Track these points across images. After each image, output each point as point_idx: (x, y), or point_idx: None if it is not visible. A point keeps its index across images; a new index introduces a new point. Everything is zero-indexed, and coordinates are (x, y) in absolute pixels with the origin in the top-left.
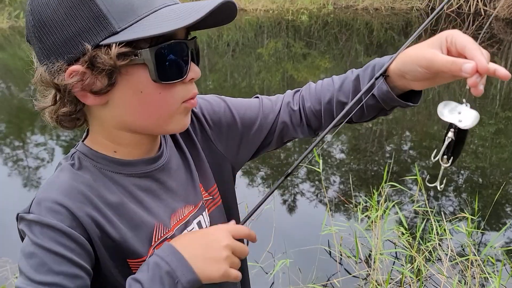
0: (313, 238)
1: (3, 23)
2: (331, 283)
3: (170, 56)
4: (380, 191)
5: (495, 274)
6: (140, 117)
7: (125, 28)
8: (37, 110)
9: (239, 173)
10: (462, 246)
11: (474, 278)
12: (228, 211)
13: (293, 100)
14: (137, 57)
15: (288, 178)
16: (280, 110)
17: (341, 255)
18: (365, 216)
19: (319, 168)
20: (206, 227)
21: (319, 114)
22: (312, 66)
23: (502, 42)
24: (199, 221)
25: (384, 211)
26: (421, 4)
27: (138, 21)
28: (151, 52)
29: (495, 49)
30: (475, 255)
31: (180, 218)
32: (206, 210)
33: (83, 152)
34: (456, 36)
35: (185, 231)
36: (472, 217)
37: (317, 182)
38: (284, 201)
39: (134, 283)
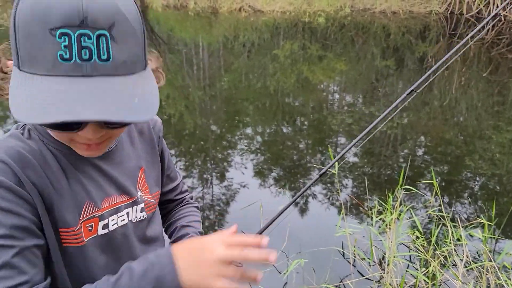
0: (327, 239)
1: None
2: (344, 284)
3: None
4: (396, 195)
5: (510, 281)
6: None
7: (24, 72)
8: None
9: (250, 172)
10: (477, 253)
11: (489, 284)
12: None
13: (179, 203)
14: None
15: (301, 179)
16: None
17: (354, 257)
18: (380, 219)
19: (334, 170)
20: (134, 219)
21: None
22: (328, 68)
23: None
24: (129, 212)
25: (399, 215)
26: (440, 8)
27: (34, 74)
28: None
29: None
30: (491, 261)
31: (112, 203)
32: (144, 206)
33: (36, 128)
34: None
35: (115, 215)
36: (489, 223)
37: (329, 185)
38: (299, 202)
39: (128, 269)
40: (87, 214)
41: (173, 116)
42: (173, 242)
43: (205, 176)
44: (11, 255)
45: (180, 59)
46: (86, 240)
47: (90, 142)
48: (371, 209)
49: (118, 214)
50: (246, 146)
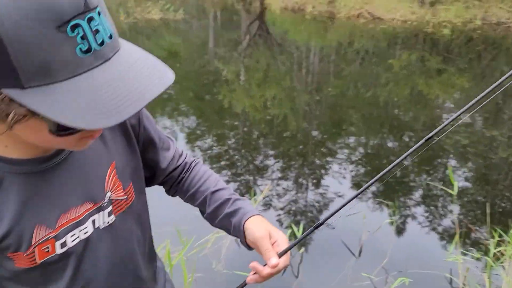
0: (434, 262)
1: (156, 15)
2: None
3: None
4: None
5: None
6: (38, 143)
7: (33, 87)
8: None
9: (348, 183)
10: None
11: None
12: (140, 210)
13: (183, 168)
14: (37, 116)
15: (403, 197)
16: (170, 166)
17: (464, 285)
18: (498, 251)
19: (452, 190)
20: (102, 225)
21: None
22: (447, 83)
23: None
24: (94, 220)
25: None
26: None
27: (52, 83)
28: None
29: None
30: None
31: (70, 218)
32: (112, 209)
33: None
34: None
35: (76, 230)
36: None
37: (440, 206)
38: (407, 216)
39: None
40: (39, 238)
41: (277, 117)
42: (213, 210)
43: (300, 180)
44: None
45: (291, 61)
46: (40, 261)
47: (92, 133)
48: (488, 239)
49: (79, 227)
50: (346, 155)
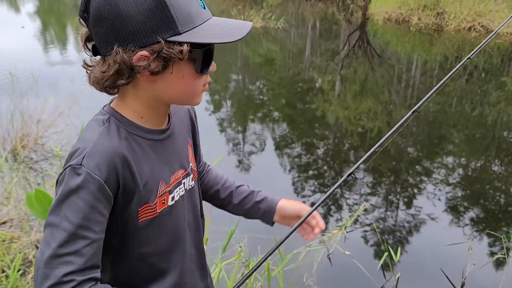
0: None
1: (257, 23)
2: None
3: (209, 56)
4: None
5: None
6: (176, 94)
7: (186, 31)
8: (91, 79)
9: (442, 205)
10: None
11: None
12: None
13: (204, 167)
14: (191, 53)
15: (505, 227)
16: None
17: None
18: None
19: None
20: (188, 187)
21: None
22: None
23: None
24: (185, 182)
25: None
26: None
27: (194, 28)
28: (201, 52)
29: None
30: None
31: (177, 177)
32: (192, 176)
33: (116, 118)
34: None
35: (178, 187)
36: None
37: None
38: None
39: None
40: (161, 191)
41: (370, 130)
42: (240, 201)
43: (390, 197)
44: (83, 245)
45: (391, 73)
46: (159, 211)
47: (209, 79)
48: None
49: (179, 186)
50: (443, 176)
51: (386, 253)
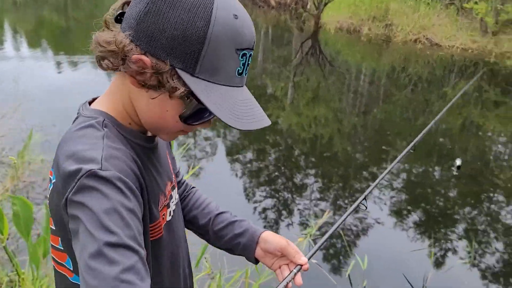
0: None
1: None
2: None
3: (202, 115)
4: None
5: None
6: (149, 118)
7: (200, 78)
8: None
9: (386, 210)
10: None
11: None
12: None
13: (185, 188)
14: (185, 99)
15: (444, 229)
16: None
17: None
18: None
19: None
20: (176, 200)
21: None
22: (505, 116)
23: None
24: (173, 194)
25: None
26: None
27: (211, 82)
28: (196, 107)
29: None
30: None
31: (169, 190)
32: (176, 188)
33: (111, 121)
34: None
35: (171, 201)
36: None
37: None
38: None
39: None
40: (161, 205)
41: (321, 137)
42: (218, 230)
43: (339, 203)
44: (137, 259)
45: (342, 82)
46: (162, 227)
47: (192, 131)
48: None
49: (171, 199)
50: (387, 181)
51: (353, 262)
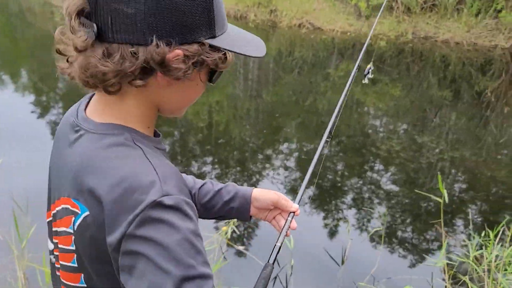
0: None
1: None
2: None
3: (222, 67)
4: None
5: None
6: (180, 102)
7: (219, 35)
8: (80, 69)
9: (283, 188)
10: None
11: None
12: None
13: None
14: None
15: (334, 200)
16: None
17: None
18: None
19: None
20: None
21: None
22: (381, 92)
23: None
24: None
25: None
26: (506, 43)
27: (223, 33)
28: (219, 63)
29: None
30: None
31: None
32: None
33: (135, 133)
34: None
35: None
36: None
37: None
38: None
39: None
40: None
41: (215, 123)
42: (207, 202)
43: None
44: (211, 284)
45: (233, 68)
46: None
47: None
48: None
49: None
50: (281, 162)
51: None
